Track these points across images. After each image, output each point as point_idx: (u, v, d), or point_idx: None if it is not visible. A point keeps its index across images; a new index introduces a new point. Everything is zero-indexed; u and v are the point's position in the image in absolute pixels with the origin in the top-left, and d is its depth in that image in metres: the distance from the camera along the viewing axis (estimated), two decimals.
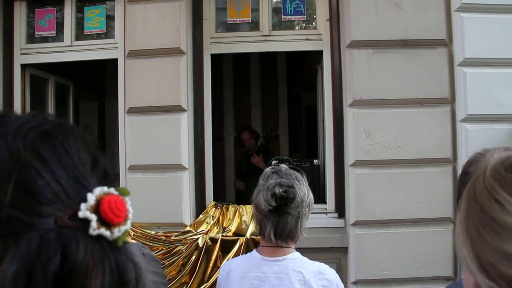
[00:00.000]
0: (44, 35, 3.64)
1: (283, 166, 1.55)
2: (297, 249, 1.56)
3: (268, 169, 1.55)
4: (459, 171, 3.07)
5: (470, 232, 0.54)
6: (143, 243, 3.02)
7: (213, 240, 3.14)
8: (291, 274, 1.46)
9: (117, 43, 3.48)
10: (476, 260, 0.52)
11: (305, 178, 1.55)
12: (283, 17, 3.52)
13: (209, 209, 3.33)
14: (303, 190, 1.49)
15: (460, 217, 0.58)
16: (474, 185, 0.57)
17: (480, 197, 0.54)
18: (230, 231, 3.20)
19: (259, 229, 1.53)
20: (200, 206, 3.37)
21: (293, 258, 1.50)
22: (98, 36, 3.61)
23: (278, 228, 1.46)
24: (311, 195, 1.54)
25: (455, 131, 3.12)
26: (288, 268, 1.47)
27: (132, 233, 3.13)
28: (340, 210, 3.34)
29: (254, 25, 3.53)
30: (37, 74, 3.92)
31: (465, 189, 0.60)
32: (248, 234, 3.14)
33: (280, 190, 1.44)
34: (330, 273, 1.49)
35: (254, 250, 1.59)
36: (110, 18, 3.59)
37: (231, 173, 6.35)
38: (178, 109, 3.27)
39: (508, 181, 0.52)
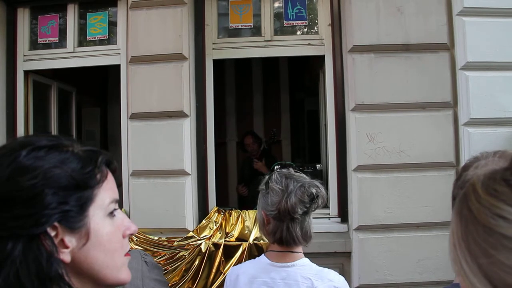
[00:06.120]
0: (47, 42, 3.66)
1: (291, 170, 1.54)
2: None
3: (276, 174, 1.52)
4: None
5: (474, 255, 0.53)
6: (146, 249, 3.02)
7: (216, 246, 3.14)
8: (300, 281, 1.44)
9: (119, 49, 3.50)
10: (487, 284, 0.50)
11: None
12: (285, 22, 3.53)
13: (212, 214, 3.32)
14: None
15: (456, 237, 0.57)
16: (467, 204, 0.56)
17: (481, 217, 0.52)
18: (233, 236, 3.19)
19: (277, 236, 1.48)
20: (202, 212, 3.36)
21: (302, 264, 1.49)
22: (101, 42, 3.63)
23: (303, 229, 1.47)
24: None
25: (458, 135, 3.11)
26: (296, 275, 1.46)
27: (135, 238, 3.13)
28: (343, 214, 3.33)
29: (256, 31, 3.54)
30: (40, 80, 3.94)
31: (455, 208, 0.59)
32: (251, 239, 3.13)
33: (314, 190, 1.45)
34: (340, 280, 1.47)
35: (263, 255, 1.57)
36: (112, 24, 3.61)
37: (234, 178, 6.35)
38: (181, 114, 3.27)
39: (508, 195, 0.51)
